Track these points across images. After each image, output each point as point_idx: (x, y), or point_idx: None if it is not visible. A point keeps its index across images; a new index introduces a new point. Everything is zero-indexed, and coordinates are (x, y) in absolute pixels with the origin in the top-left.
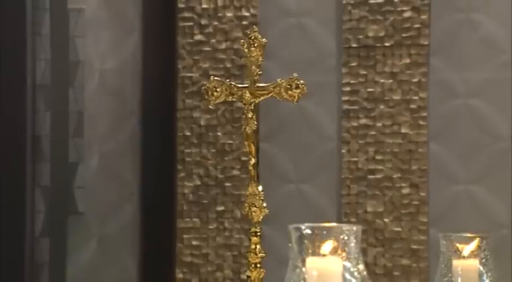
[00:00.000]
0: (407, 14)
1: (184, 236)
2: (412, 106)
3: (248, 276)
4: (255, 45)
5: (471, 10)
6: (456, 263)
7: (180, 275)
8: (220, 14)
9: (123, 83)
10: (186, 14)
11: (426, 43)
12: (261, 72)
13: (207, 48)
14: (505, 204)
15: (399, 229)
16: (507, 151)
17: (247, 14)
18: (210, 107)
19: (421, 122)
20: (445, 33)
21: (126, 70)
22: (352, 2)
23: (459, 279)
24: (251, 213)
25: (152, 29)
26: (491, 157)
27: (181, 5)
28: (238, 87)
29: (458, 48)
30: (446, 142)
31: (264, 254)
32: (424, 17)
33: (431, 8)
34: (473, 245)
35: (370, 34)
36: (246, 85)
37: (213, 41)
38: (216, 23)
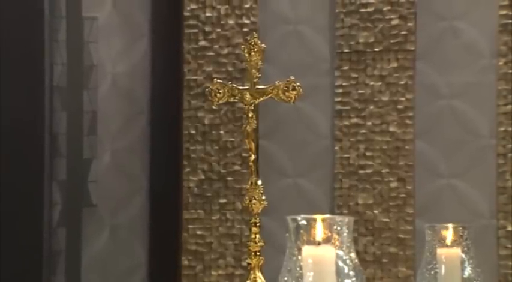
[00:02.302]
0: (395, 22)
1: (190, 226)
2: (400, 106)
3: (248, 264)
4: (255, 50)
5: (454, 18)
6: (440, 251)
7: (185, 262)
8: (222, 22)
9: (133, 85)
10: (192, 22)
11: (412, 48)
12: (260, 75)
13: (211, 53)
14: (485, 197)
15: (387, 220)
16: (487, 148)
17: (247, 21)
18: (214, 107)
19: (408, 121)
20: (430, 39)
21: (136, 73)
22: (344, 10)
23: (443, 266)
24: (251, 205)
25: (160, 35)
26: (473, 154)
27: (187, 14)
28: (239, 89)
29: (442, 54)
30: (431, 140)
31: (263, 243)
32: (410, 24)
33: (417, 16)
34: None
35: (361, 40)
36: (247, 87)
37: (216, 46)
38: (218, 29)
